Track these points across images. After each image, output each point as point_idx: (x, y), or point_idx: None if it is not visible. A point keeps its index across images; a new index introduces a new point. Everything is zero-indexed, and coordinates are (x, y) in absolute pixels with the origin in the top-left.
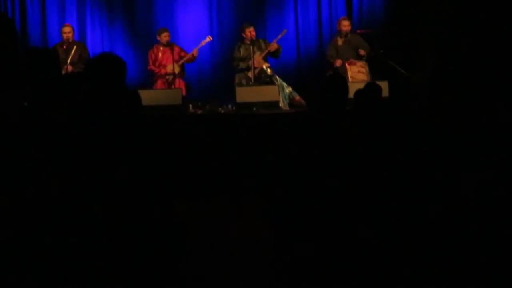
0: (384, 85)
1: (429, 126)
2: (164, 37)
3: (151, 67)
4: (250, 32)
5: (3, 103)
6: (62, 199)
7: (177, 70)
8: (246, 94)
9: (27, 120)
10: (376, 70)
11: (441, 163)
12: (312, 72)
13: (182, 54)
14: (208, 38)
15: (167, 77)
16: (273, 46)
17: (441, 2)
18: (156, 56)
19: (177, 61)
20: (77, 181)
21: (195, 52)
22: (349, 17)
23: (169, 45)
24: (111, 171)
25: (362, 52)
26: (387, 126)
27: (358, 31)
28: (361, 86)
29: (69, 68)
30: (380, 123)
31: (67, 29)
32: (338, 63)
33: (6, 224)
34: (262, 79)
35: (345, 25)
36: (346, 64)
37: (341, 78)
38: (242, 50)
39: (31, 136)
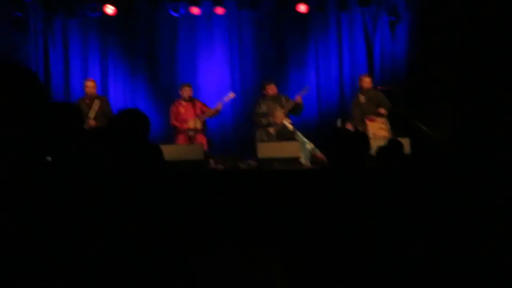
0: (405, 141)
1: (450, 185)
2: (186, 92)
3: (173, 122)
4: (271, 89)
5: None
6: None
7: (198, 125)
8: (267, 149)
9: (50, 175)
10: (397, 126)
11: (461, 224)
12: (333, 129)
13: (204, 109)
14: (231, 95)
15: (188, 132)
16: (298, 99)
17: (463, 61)
18: (178, 111)
19: (199, 116)
20: (95, 236)
21: (219, 106)
22: (371, 73)
23: (191, 100)
24: (130, 224)
25: (382, 110)
26: (408, 183)
27: (380, 88)
28: (382, 142)
29: (92, 122)
30: (402, 180)
31: (89, 83)
32: (349, 126)
33: None
34: (283, 135)
35: (367, 81)
36: (367, 121)
37: (362, 134)
38: (263, 106)
39: (53, 192)
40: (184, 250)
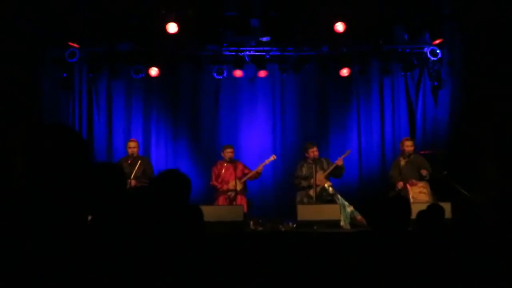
0: (447, 206)
1: (493, 253)
2: (228, 153)
3: (214, 182)
4: (313, 152)
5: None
6: None
7: (239, 187)
8: (307, 212)
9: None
10: (438, 191)
11: None
12: (374, 192)
13: (246, 171)
14: (272, 157)
15: (229, 193)
16: (339, 161)
17: (505, 126)
18: (220, 172)
19: (239, 178)
20: None
21: (260, 168)
22: (412, 137)
23: (233, 161)
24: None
25: (424, 172)
26: (450, 249)
27: (422, 152)
28: (423, 207)
29: (133, 182)
30: (443, 245)
31: (132, 144)
32: (400, 185)
33: None
34: (323, 198)
35: (408, 145)
36: (408, 185)
37: (403, 199)
38: (304, 169)
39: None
40: None
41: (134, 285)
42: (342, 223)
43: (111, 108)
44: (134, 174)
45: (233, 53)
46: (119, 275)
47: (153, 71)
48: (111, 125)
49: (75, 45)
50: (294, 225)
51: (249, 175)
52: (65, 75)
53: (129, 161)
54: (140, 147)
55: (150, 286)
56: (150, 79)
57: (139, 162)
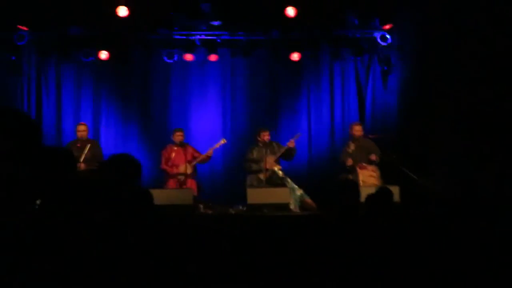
0: (395, 190)
1: (439, 233)
2: (178, 136)
3: (164, 166)
4: (265, 136)
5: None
6: None
7: (189, 170)
8: (257, 195)
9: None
10: (387, 174)
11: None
12: (324, 176)
13: (196, 154)
14: (223, 141)
15: (179, 177)
16: (291, 143)
17: (452, 110)
18: (169, 155)
19: (190, 162)
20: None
21: (210, 152)
22: (362, 121)
23: (183, 145)
24: (119, 269)
25: (373, 157)
26: (398, 231)
27: (370, 136)
28: (372, 190)
29: (82, 165)
30: (391, 228)
31: (82, 127)
32: (349, 161)
33: None
34: (273, 181)
35: (357, 130)
36: (358, 168)
37: (352, 182)
38: (255, 152)
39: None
40: None
41: (84, 270)
42: (291, 206)
43: (60, 91)
44: (84, 157)
45: (184, 37)
46: (68, 259)
47: (103, 55)
48: (60, 108)
49: (24, 28)
50: (244, 208)
51: (199, 159)
52: (13, 58)
53: (78, 145)
54: (89, 131)
55: (101, 270)
56: (100, 63)
57: (89, 145)
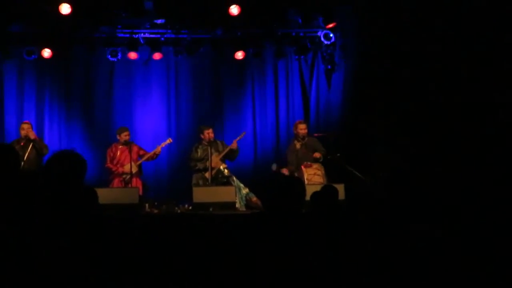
0: (340, 187)
1: (383, 229)
2: (124, 136)
3: (109, 165)
4: (208, 133)
5: None
6: None
7: (134, 169)
8: (203, 194)
9: None
10: (332, 173)
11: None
12: (269, 174)
13: (141, 152)
14: (168, 140)
15: (124, 175)
16: (233, 144)
17: (394, 108)
18: (115, 154)
19: (135, 161)
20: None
21: (158, 149)
22: (306, 120)
23: (128, 144)
24: (65, 270)
25: (317, 155)
26: (342, 229)
27: (315, 134)
28: (317, 188)
29: (26, 164)
30: (336, 226)
31: (25, 126)
32: (285, 171)
33: None
34: (219, 180)
35: (302, 128)
36: (302, 167)
37: (298, 180)
38: (199, 151)
39: None
40: None
41: (28, 269)
42: (237, 205)
43: (3, 90)
44: (27, 156)
45: (127, 35)
46: (11, 258)
47: (46, 53)
48: (3, 107)
49: None
50: (190, 207)
51: (146, 157)
52: None
53: (21, 144)
54: (33, 129)
55: (43, 269)
56: (43, 61)
57: (31, 144)
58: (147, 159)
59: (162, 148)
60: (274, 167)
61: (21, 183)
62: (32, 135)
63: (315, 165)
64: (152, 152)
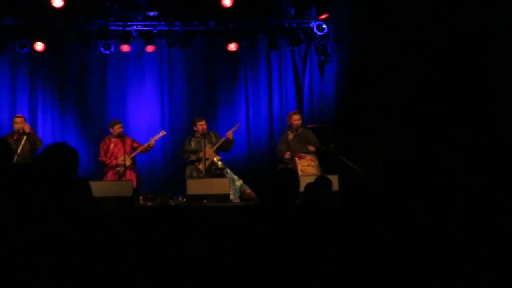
0: (334, 179)
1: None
2: (117, 128)
3: (102, 158)
4: (201, 125)
5: None
6: None
7: (128, 162)
8: (196, 186)
9: None
10: (326, 164)
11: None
12: (263, 166)
13: (135, 145)
14: (162, 133)
15: (118, 168)
16: (229, 135)
17: (387, 99)
18: (108, 147)
19: (128, 153)
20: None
21: (152, 142)
22: (300, 111)
23: (121, 136)
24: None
25: (311, 148)
26: (336, 220)
27: (309, 126)
28: (311, 179)
29: (19, 158)
30: (330, 217)
31: (18, 119)
32: (287, 155)
33: None
34: (213, 172)
35: (296, 119)
36: (296, 158)
37: (292, 171)
38: (193, 143)
39: None
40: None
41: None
42: (231, 197)
43: None
44: (21, 149)
45: (120, 28)
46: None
47: (39, 46)
48: None
49: None
50: (184, 200)
51: (140, 149)
52: None
53: (15, 137)
54: (26, 122)
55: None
56: (35, 54)
57: (25, 137)
58: (141, 152)
59: (156, 140)
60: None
61: (14, 176)
62: (27, 128)
63: (308, 156)
64: (146, 145)
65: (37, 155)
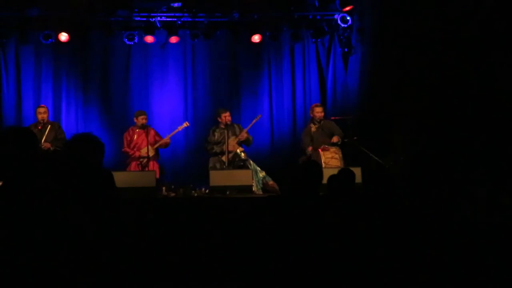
0: (357, 171)
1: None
2: (142, 119)
3: (126, 149)
4: (225, 117)
5: None
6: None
7: (151, 152)
8: (219, 177)
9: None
10: (349, 156)
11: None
12: (286, 158)
13: (157, 138)
14: (185, 124)
15: (141, 159)
16: (243, 135)
17: (412, 92)
18: (132, 138)
19: (152, 144)
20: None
21: (167, 139)
22: (323, 103)
23: (145, 127)
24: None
25: (335, 139)
26: (359, 212)
27: (332, 118)
28: (334, 171)
29: (46, 145)
30: (353, 209)
31: (42, 109)
32: (310, 149)
33: None
34: (236, 163)
35: (318, 111)
36: (320, 150)
37: (315, 163)
38: (216, 134)
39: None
40: (134, 278)
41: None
42: (254, 189)
43: (20, 74)
44: (45, 139)
45: (144, 19)
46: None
47: (63, 37)
48: (20, 91)
49: None
50: (207, 191)
51: (159, 143)
52: None
53: (39, 127)
54: (50, 113)
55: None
56: (60, 45)
57: (49, 127)
58: (161, 146)
59: (179, 131)
60: (310, 148)
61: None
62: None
63: (332, 149)
64: (163, 141)
65: (63, 144)
